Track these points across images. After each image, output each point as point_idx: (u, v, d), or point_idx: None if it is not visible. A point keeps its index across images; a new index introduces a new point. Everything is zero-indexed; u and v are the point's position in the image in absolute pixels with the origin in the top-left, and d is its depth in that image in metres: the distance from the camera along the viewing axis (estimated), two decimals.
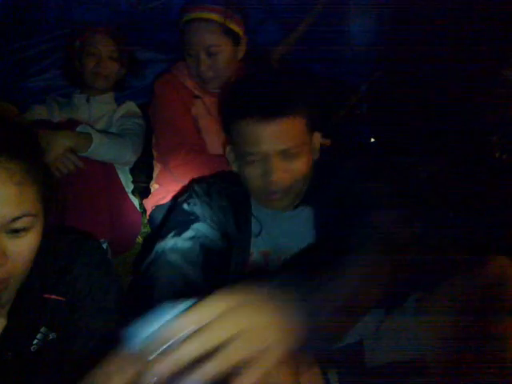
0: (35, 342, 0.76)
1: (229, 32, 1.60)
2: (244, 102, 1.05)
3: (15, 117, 1.65)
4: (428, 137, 2.03)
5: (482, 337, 0.93)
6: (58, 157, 1.41)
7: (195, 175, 1.58)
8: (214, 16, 1.57)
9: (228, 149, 1.18)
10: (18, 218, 0.71)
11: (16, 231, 0.71)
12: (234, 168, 1.17)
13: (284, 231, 1.14)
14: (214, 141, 1.67)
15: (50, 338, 0.75)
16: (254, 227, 1.15)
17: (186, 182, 1.62)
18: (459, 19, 1.93)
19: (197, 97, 1.69)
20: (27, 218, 0.72)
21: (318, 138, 1.15)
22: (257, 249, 1.13)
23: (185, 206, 1.14)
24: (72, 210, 1.43)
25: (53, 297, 0.80)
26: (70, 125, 1.56)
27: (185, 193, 1.20)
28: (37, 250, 0.75)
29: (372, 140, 2.37)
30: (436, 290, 1.05)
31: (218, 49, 1.59)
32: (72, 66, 1.80)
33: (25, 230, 0.72)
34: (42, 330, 0.75)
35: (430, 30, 1.99)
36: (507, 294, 0.93)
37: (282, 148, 1.03)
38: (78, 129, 1.49)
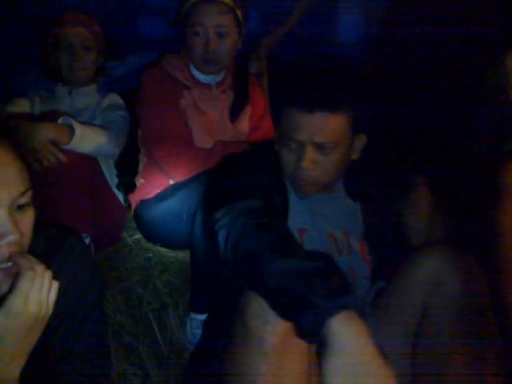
0: None
1: (236, 18, 1.63)
2: (294, 90, 1.10)
3: None
4: (419, 133, 2.03)
5: (435, 325, 0.98)
6: (39, 149, 1.37)
7: (181, 168, 1.57)
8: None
9: (276, 129, 1.22)
10: (24, 192, 0.75)
11: (21, 206, 0.74)
12: (276, 147, 1.20)
13: (319, 211, 1.17)
14: (201, 134, 1.66)
15: None
16: (292, 203, 1.18)
17: (171, 174, 1.61)
18: (449, 18, 1.94)
19: (187, 87, 1.66)
20: (29, 191, 0.75)
21: (362, 139, 1.17)
22: (293, 227, 1.13)
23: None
24: (54, 203, 1.40)
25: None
26: (52, 117, 1.52)
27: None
28: None
29: None
30: (392, 280, 1.09)
31: (227, 30, 1.60)
32: (48, 62, 1.74)
33: (27, 204, 0.75)
34: None
35: (420, 26, 2.00)
36: (452, 282, 0.97)
37: (318, 141, 1.08)
38: (60, 121, 1.46)
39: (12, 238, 0.72)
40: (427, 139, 1.99)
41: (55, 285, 0.75)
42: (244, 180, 1.12)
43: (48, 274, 0.73)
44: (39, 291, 0.72)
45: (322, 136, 1.08)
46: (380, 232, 1.17)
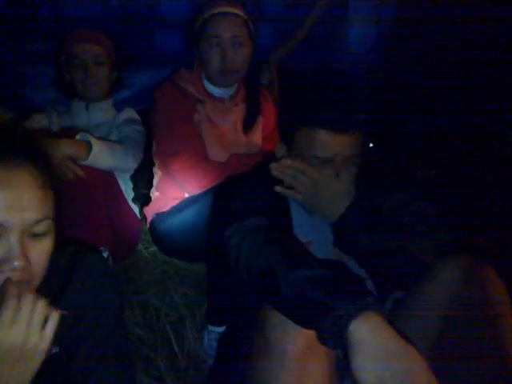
0: None
1: (249, 29, 1.67)
2: (323, 112, 1.11)
3: (15, 123, 1.65)
4: (428, 141, 2.03)
5: (455, 336, 0.97)
6: (58, 165, 1.40)
7: (196, 181, 1.59)
8: (238, 11, 1.64)
9: (278, 145, 1.22)
10: (41, 220, 0.73)
11: (36, 235, 0.73)
12: None
13: (321, 222, 1.17)
14: (214, 147, 1.67)
15: (53, 351, 0.74)
16: (296, 217, 1.19)
17: (186, 187, 1.63)
18: (462, 23, 1.94)
19: (200, 101, 1.68)
20: (48, 221, 0.74)
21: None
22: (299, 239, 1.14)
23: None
24: (72, 218, 1.42)
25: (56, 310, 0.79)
26: (70, 133, 1.54)
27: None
28: (51, 255, 0.76)
29: (370, 145, 2.36)
30: (411, 291, 1.08)
31: (243, 40, 1.64)
32: (63, 79, 1.77)
33: (44, 233, 0.74)
34: None
35: (430, 33, 2.00)
36: (472, 292, 0.97)
37: (346, 155, 1.11)
38: (78, 137, 1.48)
39: (16, 264, 0.70)
40: (450, 144, 1.99)
41: (54, 315, 0.71)
42: (248, 197, 1.14)
43: (41, 305, 0.69)
44: (27, 322, 0.68)
45: (349, 151, 1.11)
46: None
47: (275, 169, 1.14)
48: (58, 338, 0.75)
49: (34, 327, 0.68)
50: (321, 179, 1.11)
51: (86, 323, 0.81)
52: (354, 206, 1.12)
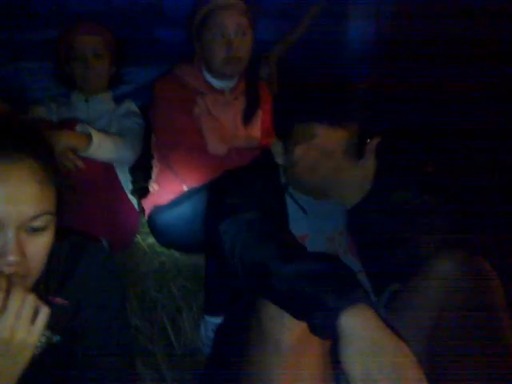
0: (39, 344, 0.75)
1: (249, 18, 1.69)
2: (315, 107, 1.12)
3: (14, 115, 1.66)
4: (427, 138, 2.04)
5: (450, 328, 0.98)
6: (58, 157, 1.40)
7: (195, 174, 1.60)
8: (239, 3, 1.67)
9: (274, 141, 1.22)
10: (39, 216, 0.71)
11: (35, 230, 0.72)
12: (280, 161, 1.21)
13: (321, 214, 1.19)
14: (214, 140, 1.68)
15: (54, 341, 0.75)
16: (291, 211, 1.20)
17: (185, 180, 1.64)
18: (460, 19, 1.94)
19: (200, 94, 1.69)
20: (46, 216, 0.73)
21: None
22: (294, 233, 1.15)
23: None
24: (71, 208, 1.43)
25: (57, 300, 0.80)
26: (69, 124, 1.56)
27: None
28: (50, 249, 0.75)
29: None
30: (407, 284, 1.10)
31: (246, 29, 1.66)
32: (63, 71, 1.77)
33: (43, 228, 0.73)
34: (46, 333, 0.75)
35: (430, 30, 2.00)
36: (467, 285, 0.98)
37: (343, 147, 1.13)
38: (78, 128, 1.49)
39: (11, 259, 0.69)
40: (451, 140, 2.00)
41: (44, 311, 0.69)
42: (243, 192, 1.14)
43: (31, 298, 0.68)
44: (14, 315, 0.66)
45: (348, 143, 1.13)
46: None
47: (299, 150, 1.14)
48: (60, 327, 0.76)
49: (22, 321, 0.67)
50: (348, 162, 1.13)
51: (87, 313, 0.82)
52: (372, 194, 1.15)
